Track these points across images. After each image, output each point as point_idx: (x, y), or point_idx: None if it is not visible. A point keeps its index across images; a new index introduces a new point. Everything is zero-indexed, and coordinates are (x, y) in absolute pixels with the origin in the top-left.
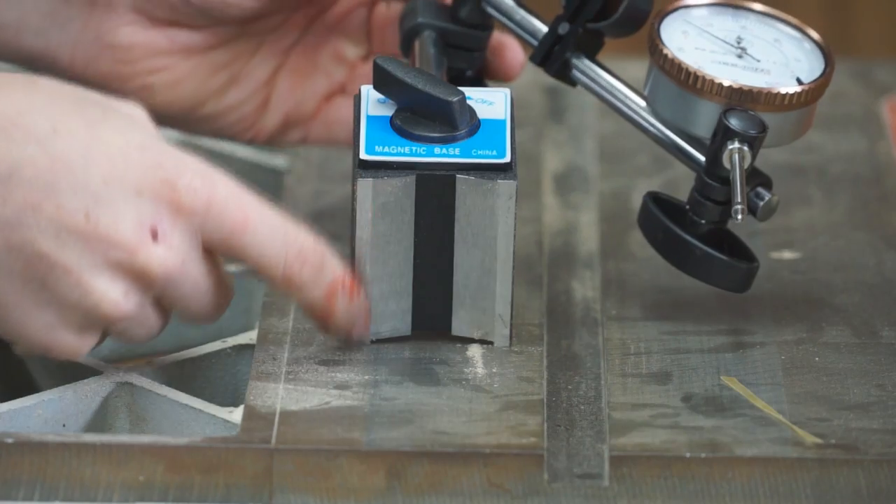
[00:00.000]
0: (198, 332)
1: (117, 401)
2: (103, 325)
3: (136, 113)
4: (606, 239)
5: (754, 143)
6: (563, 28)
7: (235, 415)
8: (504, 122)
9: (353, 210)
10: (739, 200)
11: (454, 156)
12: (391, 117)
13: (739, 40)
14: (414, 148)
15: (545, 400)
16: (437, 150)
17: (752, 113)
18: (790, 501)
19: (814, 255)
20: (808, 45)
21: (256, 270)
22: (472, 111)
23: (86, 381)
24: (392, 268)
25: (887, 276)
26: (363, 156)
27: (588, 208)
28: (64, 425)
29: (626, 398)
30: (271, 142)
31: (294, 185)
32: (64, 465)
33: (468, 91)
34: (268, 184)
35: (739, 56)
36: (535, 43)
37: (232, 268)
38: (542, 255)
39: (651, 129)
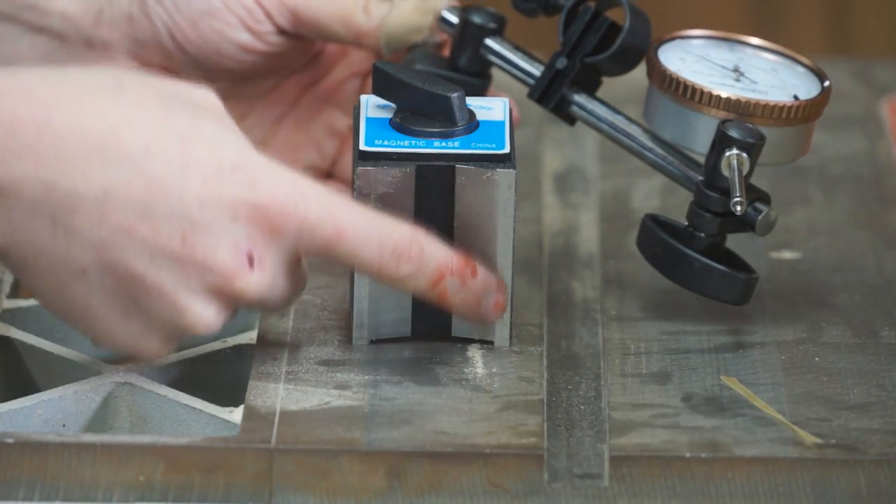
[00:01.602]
0: None
1: (117, 401)
2: (190, 336)
3: (215, 107)
4: (606, 239)
5: (752, 151)
6: (561, 63)
7: (235, 415)
8: (503, 122)
9: None
10: (738, 194)
11: (454, 148)
12: (390, 118)
13: (737, 67)
14: (413, 141)
15: (545, 400)
16: (436, 143)
17: (750, 125)
18: (790, 501)
19: (814, 255)
20: (801, 69)
21: (360, 272)
22: (471, 112)
23: (86, 381)
24: None
25: (887, 276)
26: (363, 147)
27: (588, 208)
28: (64, 425)
29: (626, 398)
30: None
31: None
32: (64, 465)
33: (468, 98)
34: None
35: (737, 80)
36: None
37: None
38: (542, 255)
39: (652, 156)
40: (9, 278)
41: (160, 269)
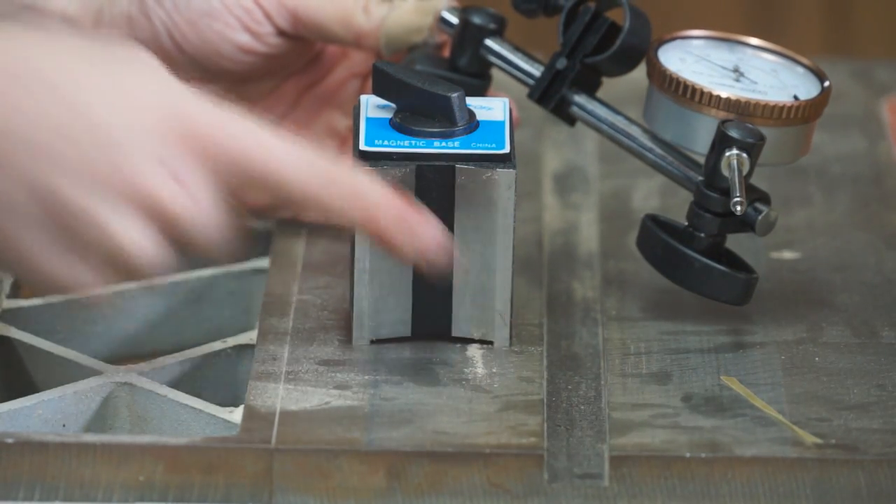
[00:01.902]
0: (198, 331)
1: (117, 401)
2: (123, 264)
3: (147, 57)
4: (606, 239)
5: (752, 151)
6: (561, 63)
7: (235, 415)
8: (503, 122)
9: None
10: (738, 194)
11: (454, 148)
12: (390, 118)
13: (737, 68)
14: (413, 141)
15: (545, 400)
16: (436, 143)
17: (750, 125)
18: (790, 501)
19: (814, 255)
20: (801, 69)
21: (292, 202)
22: (471, 112)
23: (86, 381)
24: (392, 263)
25: (887, 276)
26: (363, 147)
27: (588, 208)
28: (64, 425)
29: (626, 398)
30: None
31: None
32: (64, 465)
33: (468, 98)
34: None
35: (737, 80)
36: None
37: (222, 269)
38: (542, 255)
39: (652, 156)
40: (9, 278)
41: (88, 193)
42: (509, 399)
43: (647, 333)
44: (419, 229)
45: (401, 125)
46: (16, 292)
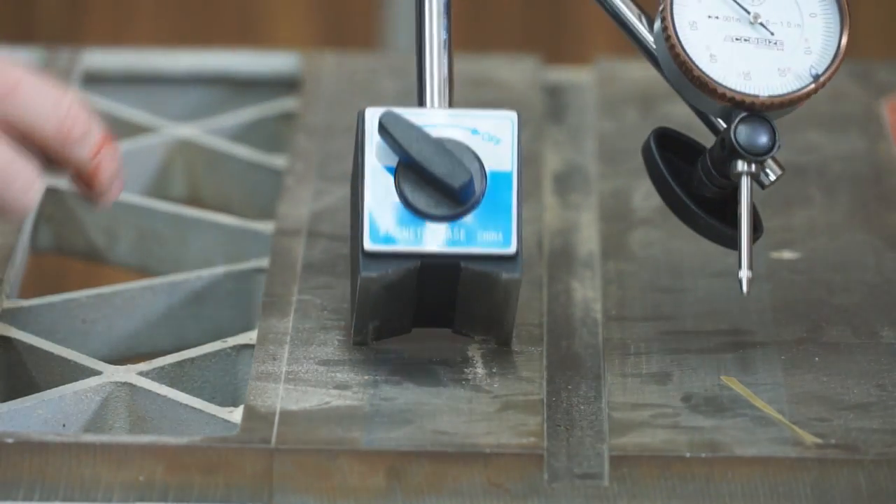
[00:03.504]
0: (198, 331)
1: (117, 401)
2: None
3: None
4: (606, 239)
5: (765, 162)
6: None
7: (235, 415)
8: (510, 177)
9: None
10: (746, 265)
11: (460, 242)
12: (396, 179)
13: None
14: (419, 231)
15: (545, 400)
16: (442, 233)
17: (763, 122)
18: (790, 501)
19: (814, 255)
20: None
21: (29, 134)
22: (479, 170)
23: (86, 380)
24: (393, 313)
25: (887, 276)
26: (368, 247)
27: (588, 208)
28: (64, 425)
29: (626, 398)
30: None
31: (294, 185)
32: (64, 465)
33: (472, 120)
34: (268, 184)
35: (752, 23)
36: None
37: (221, 269)
38: (542, 255)
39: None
40: (9, 278)
41: None
42: (509, 399)
43: (647, 333)
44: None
45: (406, 199)
46: (16, 292)
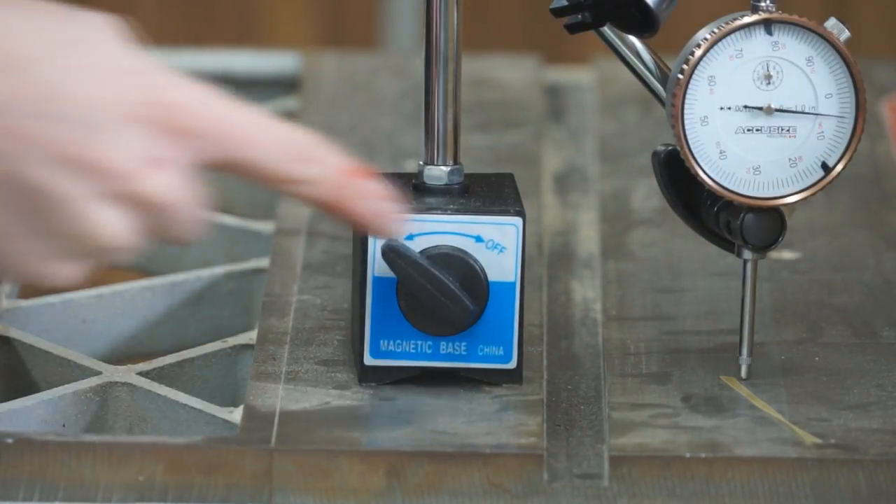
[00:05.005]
0: (198, 331)
1: (117, 401)
2: (99, 254)
3: (113, 26)
4: (606, 239)
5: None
6: None
7: (235, 415)
8: (514, 287)
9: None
10: (747, 353)
11: (461, 357)
12: (398, 292)
13: (768, 79)
14: (419, 344)
15: (545, 400)
16: (442, 346)
17: (770, 215)
18: (790, 501)
19: (814, 255)
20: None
21: (259, 179)
22: (482, 283)
23: (86, 380)
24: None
25: (887, 276)
26: (368, 361)
27: (588, 208)
28: (64, 425)
29: (626, 398)
30: None
31: None
32: (64, 465)
33: (477, 227)
34: None
35: (766, 112)
36: None
37: (221, 269)
38: (542, 255)
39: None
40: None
41: (59, 175)
42: (509, 399)
43: (647, 333)
44: (381, 203)
45: (407, 315)
46: (16, 292)
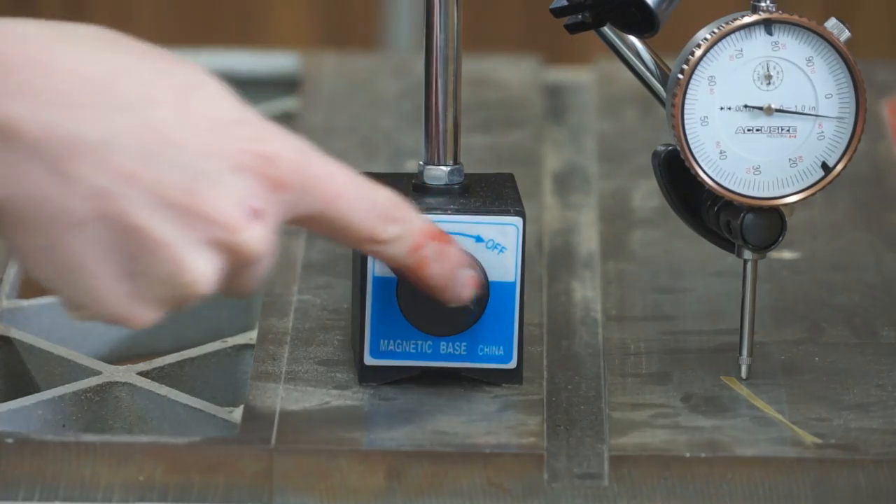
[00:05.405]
0: (198, 331)
1: (117, 401)
2: (183, 300)
3: (219, 83)
4: (606, 239)
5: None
6: None
7: (235, 415)
8: (514, 287)
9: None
10: (747, 353)
11: (461, 357)
12: (397, 291)
13: (768, 79)
14: (419, 344)
15: (545, 400)
16: (442, 346)
17: (771, 214)
18: (790, 501)
19: (814, 255)
20: (839, 68)
21: (341, 236)
22: (482, 282)
23: (86, 380)
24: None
25: (887, 276)
26: (368, 361)
27: (588, 208)
28: (64, 425)
29: (626, 398)
30: None
31: None
32: (64, 465)
33: (477, 227)
34: None
35: (766, 112)
36: None
37: None
38: (542, 255)
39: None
40: (9, 278)
41: (162, 220)
42: (509, 399)
43: (647, 333)
44: (461, 269)
45: (407, 315)
46: (16, 292)
